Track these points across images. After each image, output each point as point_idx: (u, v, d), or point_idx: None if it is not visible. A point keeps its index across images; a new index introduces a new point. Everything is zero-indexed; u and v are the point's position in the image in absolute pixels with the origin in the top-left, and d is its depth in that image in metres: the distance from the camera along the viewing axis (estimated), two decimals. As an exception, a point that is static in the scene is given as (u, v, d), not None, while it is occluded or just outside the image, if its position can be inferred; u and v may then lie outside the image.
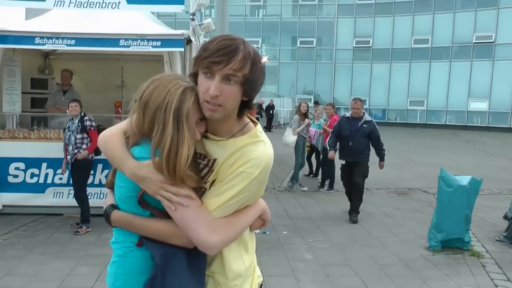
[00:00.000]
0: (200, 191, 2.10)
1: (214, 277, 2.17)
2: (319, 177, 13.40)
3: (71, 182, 8.45)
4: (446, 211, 7.31)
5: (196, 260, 2.09)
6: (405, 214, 9.95)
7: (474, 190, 7.38)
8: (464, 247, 7.41)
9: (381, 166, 9.94)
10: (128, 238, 2.12)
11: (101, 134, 2.28)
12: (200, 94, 2.01)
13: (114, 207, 2.16)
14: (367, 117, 9.76)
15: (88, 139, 8.08)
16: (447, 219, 7.30)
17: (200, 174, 2.11)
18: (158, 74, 2.14)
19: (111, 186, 2.25)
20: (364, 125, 9.58)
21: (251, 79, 1.99)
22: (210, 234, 1.98)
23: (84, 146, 8.05)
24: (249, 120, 2.20)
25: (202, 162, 2.14)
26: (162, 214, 2.05)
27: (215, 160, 2.10)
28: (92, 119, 8.22)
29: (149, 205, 2.05)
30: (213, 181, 2.09)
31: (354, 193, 9.48)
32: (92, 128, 8.09)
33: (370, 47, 48.14)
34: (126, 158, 2.06)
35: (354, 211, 9.36)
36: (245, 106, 2.11)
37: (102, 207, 2.23)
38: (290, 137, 12.10)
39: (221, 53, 1.94)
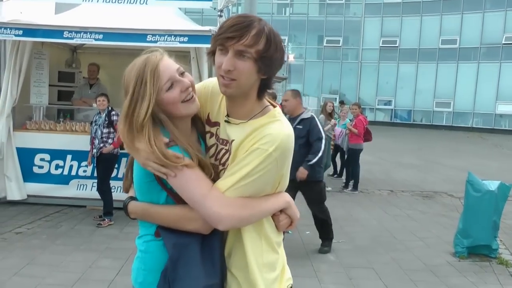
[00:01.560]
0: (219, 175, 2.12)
1: (233, 275, 2.14)
2: (343, 177, 13.30)
3: (95, 175, 8.51)
4: (473, 216, 7.16)
5: (210, 252, 2.07)
6: (430, 218, 9.78)
7: (503, 195, 7.19)
8: (491, 254, 7.22)
9: (300, 174, 6.84)
10: (149, 229, 2.13)
11: None
12: (216, 70, 2.04)
13: (132, 198, 2.20)
14: (305, 114, 7.16)
15: (114, 133, 8.12)
16: (474, 225, 7.14)
17: (220, 160, 2.15)
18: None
19: (126, 187, 2.30)
20: (298, 126, 7.01)
21: (265, 56, 1.98)
22: (220, 206, 1.96)
23: (110, 141, 8.09)
24: (269, 104, 2.19)
25: (224, 147, 2.15)
26: (177, 196, 2.05)
27: (232, 141, 2.10)
28: (119, 114, 8.20)
29: (165, 185, 2.05)
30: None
31: (316, 224, 7.55)
32: (119, 123, 8.09)
33: (397, 47, 47.82)
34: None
35: (323, 241, 7.45)
36: (264, 86, 2.10)
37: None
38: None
39: (234, 29, 1.96)
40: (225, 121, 2.15)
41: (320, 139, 7.00)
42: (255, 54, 1.96)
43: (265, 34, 1.98)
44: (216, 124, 2.22)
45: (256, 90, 2.10)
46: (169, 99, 2.03)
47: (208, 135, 2.26)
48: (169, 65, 2.07)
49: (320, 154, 6.96)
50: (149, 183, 2.07)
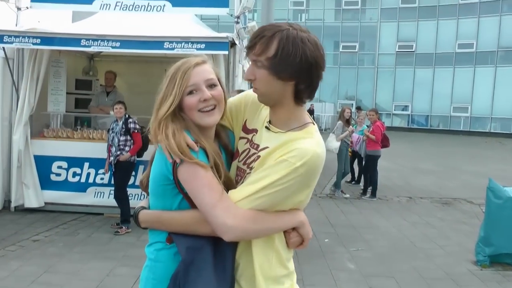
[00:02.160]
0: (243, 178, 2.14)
1: (240, 286, 2.12)
2: (361, 184, 13.21)
3: (112, 182, 8.52)
4: (495, 224, 7.03)
5: (222, 258, 2.06)
6: (450, 226, 9.65)
7: (525, 202, 7.07)
8: (514, 263, 7.10)
9: None
10: (159, 236, 2.12)
11: None
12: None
13: (143, 208, 2.20)
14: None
15: (131, 141, 8.12)
16: (496, 233, 7.01)
17: (244, 161, 2.18)
18: None
19: (142, 184, 2.29)
20: None
21: (275, 61, 1.97)
22: (228, 216, 1.93)
23: (127, 148, 8.08)
24: (309, 120, 2.16)
25: (255, 152, 2.14)
26: (191, 200, 2.03)
27: (265, 148, 2.09)
28: (136, 121, 8.25)
29: (182, 189, 2.04)
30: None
31: None
32: (136, 131, 8.12)
33: (413, 51, 47.67)
34: None
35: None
36: (298, 92, 2.08)
37: None
38: (334, 143, 11.95)
39: (249, 40, 2.08)
40: (266, 127, 2.16)
41: None
42: (266, 62, 1.99)
43: (277, 39, 1.98)
44: (253, 131, 2.23)
45: (290, 97, 2.08)
46: (187, 104, 2.08)
47: (243, 141, 2.26)
48: (201, 72, 2.12)
49: None
50: (164, 186, 2.07)
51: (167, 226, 2.08)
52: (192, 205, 2.04)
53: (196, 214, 2.02)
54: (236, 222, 1.93)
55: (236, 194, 2.00)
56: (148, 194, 2.24)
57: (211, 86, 2.12)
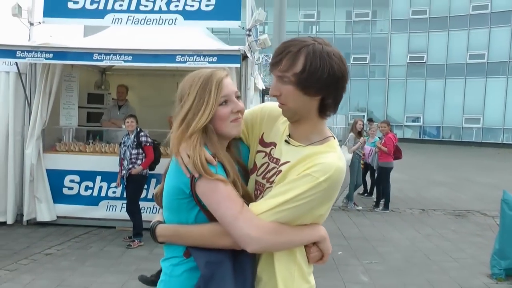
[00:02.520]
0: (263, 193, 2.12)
1: None
2: (374, 196, 13.14)
3: (124, 195, 8.52)
4: (510, 236, 6.95)
5: (242, 271, 2.03)
6: (464, 238, 9.57)
7: (540, 214, 6.99)
8: (530, 277, 7.00)
9: None
10: (175, 251, 2.09)
11: None
12: None
13: (160, 222, 2.16)
14: None
15: (143, 154, 8.13)
16: (511, 246, 6.94)
17: (269, 178, 2.13)
18: None
19: (157, 197, 2.26)
20: None
21: (303, 77, 1.96)
22: (251, 228, 1.91)
23: (139, 162, 8.09)
24: (330, 134, 2.16)
25: (275, 166, 2.13)
26: (210, 214, 2.01)
27: (286, 162, 2.07)
28: (148, 135, 8.26)
29: (199, 202, 2.01)
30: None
31: None
32: (148, 144, 8.13)
33: (424, 63, 47.55)
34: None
35: None
36: (323, 106, 2.09)
37: None
38: (346, 155, 11.91)
39: (274, 56, 2.06)
40: (285, 141, 2.15)
41: None
42: (293, 77, 1.97)
43: (304, 54, 1.97)
44: (271, 144, 2.23)
45: (314, 111, 2.09)
46: (221, 114, 2.06)
47: (261, 154, 2.25)
48: (230, 84, 2.13)
49: None
50: (179, 201, 2.04)
51: (185, 240, 2.06)
52: (210, 218, 2.02)
53: (214, 228, 2.00)
54: (260, 233, 1.92)
55: (258, 207, 1.99)
56: (162, 208, 2.21)
57: (238, 98, 2.14)
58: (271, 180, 2.11)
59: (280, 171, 2.08)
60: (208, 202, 1.98)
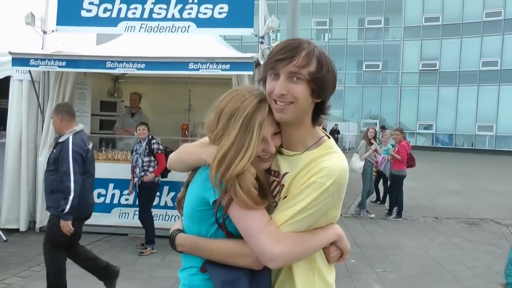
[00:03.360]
0: (271, 208, 2.04)
1: None
2: (387, 204, 13.07)
3: (136, 203, 8.52)
4: (525, 245, 6.86)
5: (258, 287, 2.00)
6: (478, 247, 9.48)
7: (556, 223, 6.90)
8: (546, 286, 6.91)
9: (65, 230, 5.37)
10: (193, 262, 2.07)
11: (172, 153, 2.31)
12: (267, 96, 2.00)
13: (180, 231, 2.13)
14: (65, 136, 5.61)
15: (155, 162, 8.13)
16: (526, 254, 6.84)
17: (270, 191, 2.08)
18: (237, 87, 2.13)
19: (179, 203, 2.23)
20: (54, 150, 5.75)
21: (318, 77, 1.93)
22: (273, 244, 1.88)
23: (151, 169, 8.10)
24: (323, 134, 2.14)
25: (275, 179, 2.09)
26: (229, 232, 2.00)
27: (285, 174, 2.04)
28: (160, 142, 8.27)
29: (221, 217, 1.99)
30: (285, 197, 2.02)
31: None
32: (159, 151, 8.14)
33: (437, 70, 47.31)
34: (207, 147, 2.07)
35: None
36: (319, 110, 2.06)
37: (167, 229, 2.20)
38: (358, 162, 11.88)
39: (284, 50, 1.93)
40: (279, 152, 2.10)
41: (67, 174, 5.35)
42: (308, 76, 1.92)
43: (316, 55, 1.94)
44: None
45: (310, 115, 2.06)
46: None
47: None
48: (272, 123, 2.03)
49: (71, 196, 5.33)
50: (203, 211, 2.02)
51: (204, 254, 2.04)
52: (227, 235, 2.00)
53: (235, 247, 1.98)
54: (283, 248, 1.90)
55: (275, 221, 1.96)
56: (182, 215, 2.20)
57: (276, 134, 2.07)
58: (274, 194, 2.09)
59: (283, 185, 2.05)
60: (233, 214, 1.95)
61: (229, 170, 1.91)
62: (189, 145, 2.21)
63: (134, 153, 8.29)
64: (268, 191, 2.06)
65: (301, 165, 2.00)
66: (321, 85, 1.96)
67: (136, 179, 8.16)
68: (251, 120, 1.96)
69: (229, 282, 1.95)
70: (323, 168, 1.94)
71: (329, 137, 2.15)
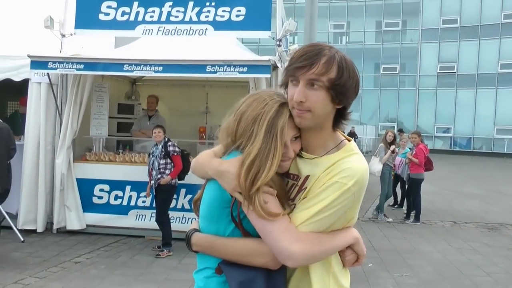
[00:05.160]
0: (290, 209, 2.03)
1: None
2: (404, 207, 12.98)
3: (153, 205, 8.53)
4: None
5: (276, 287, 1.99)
6: (497, 252, 9.36)
7: None
8: None
9: None
10: (208, 262, 2.06)
11: (194, 158, 2.31)
12: (289, 102, 2.00)
13: (196, 231, 2.14)
14: None
15: (172, 164, 8.14)
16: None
17: (287, 193, 2.08)
18: (257, 90, 2.13)
19: (196, 204, 2.23)
20: None
21: (338, 84, 1.92)
22: (291, 242, 1.87)
23: (167, 171, 8.10)
24: (343, 138, 2.14)
25: (295, 183, 2.08)
26: (245, 231, 2.00)
27: (307, 177, 2.03)
28: (176, 144, 8.27)
29: (234, 217, 2.00)
30: (304, 198, 2.01)
31: None
32: (175, 154, 8.15)
33: (455, 72, 46.89)
34: (211, 160, 2.09)
35: None
36: (340, 116, 2.06)
37: (184, 231, 2.20)
38: (376, 165, 11.82)
39: (304, 58, 1.93)
40: (299, 155, 2.09)
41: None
42: (327, 83, 1.91)
43: (337, 61, 1.93)
44: None
45: (331, 120, 2.06)
46: None
47: None
48: (292, 128, 2.03)
49: None
50: (222, 210, 2.02)
51: (220, 254, 2.03)
52: (245, 234, 2.00)
53: (251, 245, 1.97)
54: (302, 247, 1.89)
55: (293, 220, 1.96)
56: (198, 216, 2.19)
57: (296, 138, 2.06)
58: (292, 197, 2.08)
59: (304, 188, 2.04)
60: (251, 215, 1.95)
61: (259, 179, 1.91)
62: (204, 155, 2.21)
63: (151, 155, 8.30)
64: (284, 198, 2.04)
65: (322, 168, 2.00)
66: (342, 91, 1.95)
67: (152, 182, 8.17)
68: (273, 125, 1.96)
69: (246, 282, 1.94)
70: (345, 169, 1.94)
71: (349, 140, 2.14)
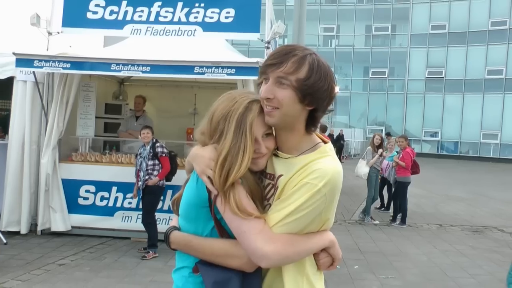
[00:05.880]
0: (264, 209, 2.05)
1: None
2: (391, 210, 13.02)
3: (140, 206, 8.47)
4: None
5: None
6: (482, 254, 9.43)
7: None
8: (549, 294, 6.83)
9: None
10: (186, 261, 2.08)
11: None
12: (261, 100, 2.02)
13: (175, 228, 2.14)
14: None
15: (160, 165, 8.10)
16: (530, 263, 6.77)
17: (264, 192, 2.09)
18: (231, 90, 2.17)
19: (174, 203, 2.24)
20: None
21: (306, 84, 1.93)
22: (265, 243, 1.88)
23: (155, 173, 8.06)
24: (319, 140, 2.14)
25: (271, 182, 2.09)
26: (222, 230, 2.00)
27: (280, 176, 2.04)
28: (164, 145, 8.23)
29: (215, 215, 2.00)
30: (278, 199, 2.02)
31: None
32: (164, 155, 8.11)
33: (443, 77, 47.34)
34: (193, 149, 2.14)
35: None
36: (312, 118, 2.06)
37: None
38: (363, 168, 11.86)
39: (275, 56, 1.97)
40: (274, 154, 2.11)
41: None
42: (295, 82, 1.93)
43: (308, 62, 1.94)
44: None
45: (303, 122, 2.05)
46: None
47: None
48: (262, 124, 2.04)
49: None
50: (200, 209, 2.02)
51: (197, 253, 2.03)
52: (221, 234, 2.00)
53: (227, 246, 1.98)
54: (275, 247, 1.90)
55: (267, 222, 1.96)
56: (178, 215, 2.19)
57: (268, 135, 2.07)
58: (268, 196, 2.09)
59: (277, 187, 2.04)
60: (226, 215, 1.95)
61: (231, 175, 1.92)
62: (194, 149, 2.20)
63: (138, 156, 8.23)
64: (260, 198, 2.06)
65: (295, 168, 2.00)
66: (310, 93, 1.95)
67: (140, 183, 8.11)
68: (242, 121, 1.98)
69: (220, 282, 1.95)
70: (316, 170, 1.94)
71: (325, 143, 2.15)
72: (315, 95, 1.96)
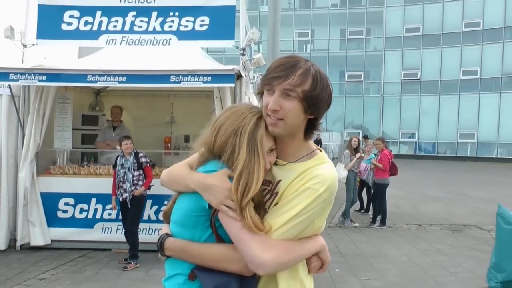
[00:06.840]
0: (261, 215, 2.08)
1: None
2: (370, 212, 13.11)
3: (119, 217, 8.43)
4: (506, 249, 6.84)
5: None
6: (461, 252, 9.55)
7: (536, 227, 6.93)
8: (527, 289, 6.94)
9: None
10: (180, 268, 2.06)
11: (164, 170, 2.32)
12: (263, 110, 2.07)
13: (169, 235, 2.14)
14: None
15: (143, 175, 8.10)
16: (507, 259, 6.81)
17: (263, 200, 2.11)
18: (235, 104, 2.19)
19: (167, 216, 2.23)
20: None
21: (311, 95, 2.00)
22: (263, 251, 1.91)
23: (140, 183, 8.07)
24: (315, 148, 2.21)
25: (266, 188, 2.13)
26: (219, 238, 2.02)
27: (279, 181, 2.09)
28: (146, 155, 8.22)
29: (214, 223, 2.02)
30: (276, 204, 2.06)
31: None
32: (148, 165, 8.14)
33: (418, 79, 47.78)
34: (192, 173, 2.10)
35: None
36: (311, 126, 2.13)
37: (150, 243, 2.20)
38: (341, 172, 11.91)
39: (281, 69, 2.02)
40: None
41: None
42: (301, 94, 1.99)
43: (312, 74, 2.02)
44: None
45: (302, 130, 2.13)
46: None
47: None
48: (268, 140, 2.08)
49: None
50: (198, 217, 2.04)
51: (194, 258, 2.04)
52: (218, 241, 2.02)
53: (226, 251, 2.00)
54: (272, 255, 1.93)
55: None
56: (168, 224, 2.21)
57: (271, 151, 2.11)
58: (266, 204, 2.12)
59: (276, 192, 2.09)
60: (225, 221, 1.98)
61: (249, 193, 1.95)
62: (179, 168, 2.22)
63: (120, 167, 8.13)
64: (262, 208, 2.08)
65: (295, 173, 2.06)
66: (315, 103, 2.03)
67: (126, 194, 8.02)
68: (253, 137, 2.01)
69: (220, 286, 1.96)
70: (317, 175, 2.01)
71: (321, 150, 2.21)
72: (318, 105, 2.05)
